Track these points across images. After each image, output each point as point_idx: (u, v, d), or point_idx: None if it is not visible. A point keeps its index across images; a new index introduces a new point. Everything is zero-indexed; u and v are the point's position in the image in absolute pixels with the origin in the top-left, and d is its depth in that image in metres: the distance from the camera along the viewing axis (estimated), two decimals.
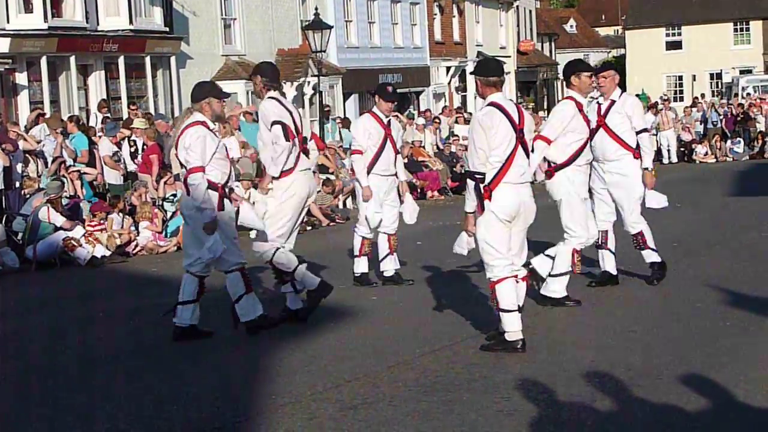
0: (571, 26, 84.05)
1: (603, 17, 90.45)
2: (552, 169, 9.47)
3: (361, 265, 11.27)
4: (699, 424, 5.86)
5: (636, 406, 6.21)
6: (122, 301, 8.90)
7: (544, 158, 9.44)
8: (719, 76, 60.15)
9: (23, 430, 6.48)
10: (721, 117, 34.60)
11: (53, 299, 12.16)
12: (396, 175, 11.21)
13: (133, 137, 19.41)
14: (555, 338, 7.85)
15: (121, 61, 25.85)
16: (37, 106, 22.41)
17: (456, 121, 30.50)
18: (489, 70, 7.78)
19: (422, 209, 11.91)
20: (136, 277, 13.64)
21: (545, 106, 53.83)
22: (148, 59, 26.77)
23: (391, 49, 39.22)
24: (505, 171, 7.53)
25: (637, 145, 10.06)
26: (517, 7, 54.06)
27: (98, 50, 25.21)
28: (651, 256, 10.31)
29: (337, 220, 19.67)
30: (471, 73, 8.21)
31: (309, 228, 18.81)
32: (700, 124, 34.84)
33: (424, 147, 26.06)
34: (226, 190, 8.74)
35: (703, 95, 47.50)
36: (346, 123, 27.61)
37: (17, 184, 16.41)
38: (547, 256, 9.49)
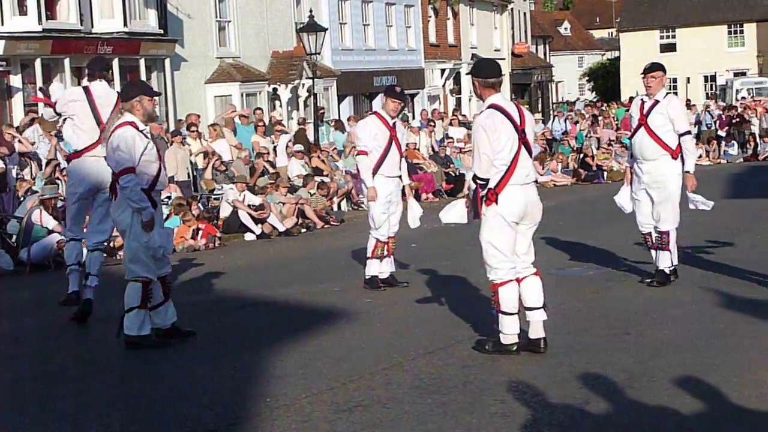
0: (566, 29, 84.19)
1: (597, 20, 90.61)
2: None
3: (372, 268, 11.13)
4: (693, 426, 5.87)
5: (630, 408, 6.22)
6: (115, 303, 8.89)
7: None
8: (713, 78, 60.29)
9: None
10: (715, 119, 34.66)
11: (47, 301, 12.13)
12: (400, 177, 11.16)
13: None
14: (549, 340, 7.85)
15: (115, 63, 25.79)
16: (32, 108, 22.38)
17: (450, 124, 30.54)
18: (487, 70, 7.70)
19: None
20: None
21: (539, 109, 53.89)
22: (142, 61, 26.77)
23: (385, 52, 39.24)
24: (511, 173, 7.48)
25: (679, 146, 10.12)
26: (512, 9, 54.14)
27: (93, 52, 25.13)
28: (664, 261, 10.31)
29: (332, 223, 19.69)
30: (468, 74, 8.12)
31: (303, 230, 18.83)
32: (694, 126, 34.89)
33: (418, 149, 26.07)
34: (152, 193, 8.59)
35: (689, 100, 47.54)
36: (339, 125, 27.63)
37: (12, 186, 16.39)
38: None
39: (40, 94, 14.92)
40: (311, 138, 25.68)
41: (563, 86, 76.02)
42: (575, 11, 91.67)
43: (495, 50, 50.89)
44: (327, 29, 28.35)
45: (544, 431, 5.88)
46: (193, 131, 21.42)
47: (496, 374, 7.07)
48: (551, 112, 48.16)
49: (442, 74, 44.53)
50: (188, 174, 20.37)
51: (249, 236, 17.92)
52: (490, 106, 7.56)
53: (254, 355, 8.14)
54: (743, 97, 44.46)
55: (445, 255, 13.42)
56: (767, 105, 37.32)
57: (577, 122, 34.73)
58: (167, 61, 27.67)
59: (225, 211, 18.31)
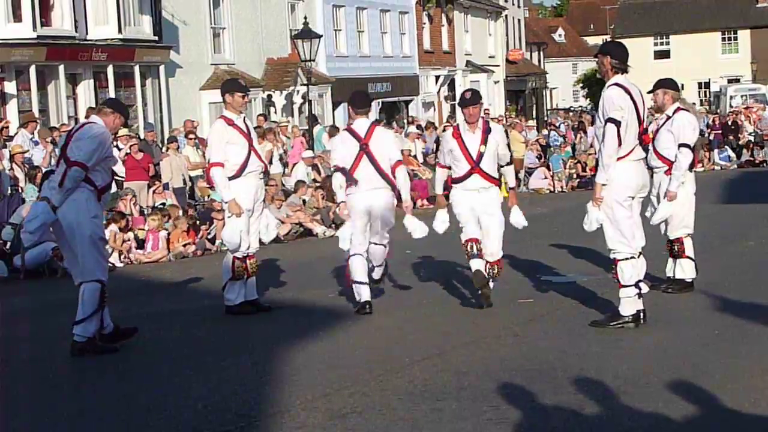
0: (560, 35, 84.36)
1: (591, 26, 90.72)
2: None
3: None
4: None
5: (624, 413, 6.22)
6: (110, 309, 8.89)
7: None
8: (707, 85, 60.41)
9: None
10: (708, 126, 34.69)
11: (41, 308, 12.13)
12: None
13: (119, 145, 19.37)
14: (544, 347, 7.85)
15: (110, 70, 25.83)
16: (26, 115, 22.37)
17: (444, 130, 30.51)
18: (625, 54, 8.41)
19: None
20: (123, 286, 13.60)
21: (534, 115, 53.90)
22: (137, 68, 26.77)
23: (380, 58, 39.27)
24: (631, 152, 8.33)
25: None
26: (506, 16, 54.24)
27: (87, 59, 25.20)
28: (685, 271, 10.38)
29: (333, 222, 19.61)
30: (597, 55, 8.68)
31: (298, 238, 18.81)
32: None
33: (415, 156, 26.09)
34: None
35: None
36: (334, 132, 27.60)
37: (7, 193, 16.39)
38: None
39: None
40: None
41: (557, 93, 76.17)
42: (570, 18, 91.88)
43: (489, 57, 50.97)
44: (322, 36, 28.38)
45: None
46: (192, 138, 21.44)
47: (490, 380, 7.07)
48: (545, 119, 48.19)
49: (437, 81, 44.59)
50: (183, 181, 20.39)
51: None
52: (615, 84, 8.30)
53: (248, 361, 8.14)
54: (736, 105, 44.53)
55: (438, 262, 13.42)
56: (760, 112, 37.41)
57: (573, 128, 34.72)
58: (162, 68, 27.67)
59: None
